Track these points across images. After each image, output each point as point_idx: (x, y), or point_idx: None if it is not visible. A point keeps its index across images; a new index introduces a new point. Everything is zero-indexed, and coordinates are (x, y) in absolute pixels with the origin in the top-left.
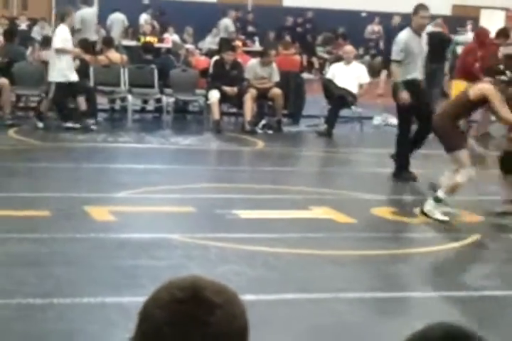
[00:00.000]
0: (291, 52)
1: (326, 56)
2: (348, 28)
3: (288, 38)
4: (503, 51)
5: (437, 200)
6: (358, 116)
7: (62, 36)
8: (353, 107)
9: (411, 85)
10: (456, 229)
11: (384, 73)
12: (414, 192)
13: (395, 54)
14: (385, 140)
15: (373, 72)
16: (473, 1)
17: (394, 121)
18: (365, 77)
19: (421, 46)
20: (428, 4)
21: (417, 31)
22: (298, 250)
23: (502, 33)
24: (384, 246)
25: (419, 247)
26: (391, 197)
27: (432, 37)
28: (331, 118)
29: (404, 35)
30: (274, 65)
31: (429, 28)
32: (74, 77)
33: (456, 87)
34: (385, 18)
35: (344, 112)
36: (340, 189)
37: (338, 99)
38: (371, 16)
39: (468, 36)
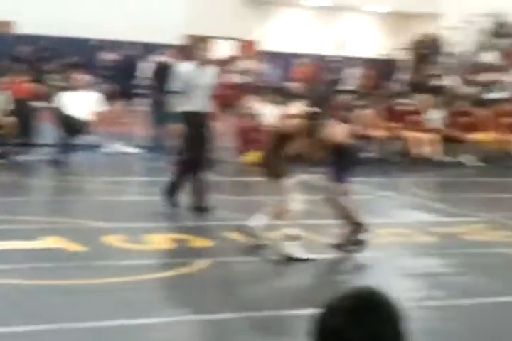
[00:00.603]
0: (24, 80)
1: (58, 84)
2: (82, 56)
3: (20, 66)
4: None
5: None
6: (92, 144)
7: None
8: (86, 135)
9: (192, 117)
10: (187, 254)
11: (121, 101)
12: (148, 218)
13: (174, 85)
14: (119, 168)
15: (110, 100)
16: (203, 30)
17: (129, 149)
18: (98, 105)
19: (204, 78)
20: (159, 34)
21: (200, 63)
22: (29, 281)
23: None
24: (115, 273)
25: (150, 273)
26: (122, 225)
27: (167, 68)
28: (64, 147)
29: (184, 67)
30: (6, 92)
31: (164, 59)
32: None
33: None
34: (120, 46)
35: (79, 140)
36: (72, 218)
37: (70, 127)
38: (105, 44)
39: None
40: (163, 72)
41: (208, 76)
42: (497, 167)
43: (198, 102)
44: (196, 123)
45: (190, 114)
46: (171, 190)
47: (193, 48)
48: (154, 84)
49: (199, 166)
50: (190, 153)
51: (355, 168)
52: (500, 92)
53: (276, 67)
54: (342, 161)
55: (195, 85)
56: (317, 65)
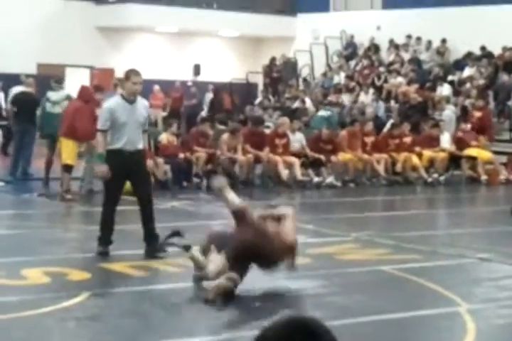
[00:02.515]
0: None
1: None
2: None
3: None
4: None
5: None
6: None
7: None
8: None
9: (118, 155)
10: (64, 287)
11: None
12: (21, 252)
13: (101, 123)
14: None
15: None
16: (57, 59)
17: None
18: None
19: (133, 113)
20: (13, 63)
21: (128, 98)
22: None
23: (97, 88)
24: None
25: (28, 310)
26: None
27: (23, 97)
28: None
29: (111, 103)
30: None
31: (20, 89)
32: None
33: (65, 145)
34: None
35: None
36: None
37: None
38: None
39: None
40: (21, 101)
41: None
42: (360, 186)
43: (124, 139)
44: (123, 163)
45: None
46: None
47: (121, 81)
48: (12, 114)
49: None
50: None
51: None
52: (358, 113)
53: None
54: None
55: (123, 122)
56: (177, 91)
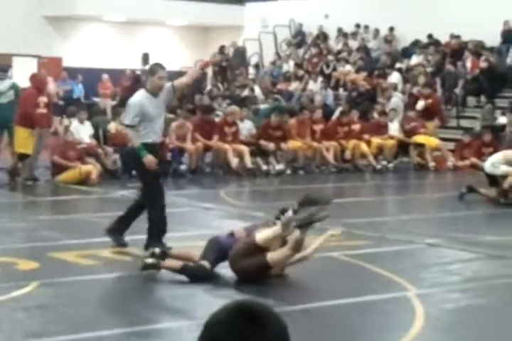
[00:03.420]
0: None
1: None
2: None
3: None
4: None
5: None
6: None
7: None
8: None
9: (151, 149)
10: (13, 277)
11: None
12: None
13: (129, 119)
14: None
15: None
16: (4, 49)
17: None
18: None
19: (159, 106)
20: None
21: (154, 92)
22: None
23: (32, 77)
24: None
25: None
26: None
27: None
28: None
29: (139, 99)
30: None
31: None
32: None
33: (19, 134)
34: None
35: None
36: None
37: None
38: None
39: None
40: None
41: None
42: (310, 174)
43: (156, 133)
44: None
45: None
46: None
47: (150, 76)
48: None
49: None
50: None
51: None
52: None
53: (80, 83)
54: None
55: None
56: (127, 79)
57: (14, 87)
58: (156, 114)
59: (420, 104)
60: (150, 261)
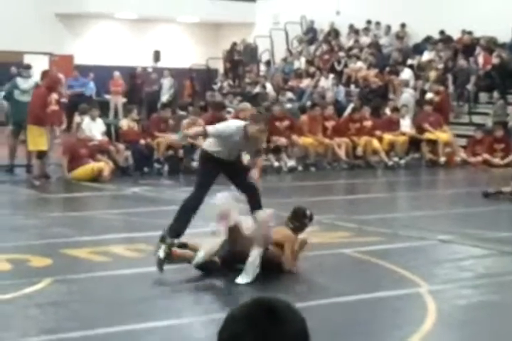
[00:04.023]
0: None
1: None
2: None
3: None
4: None
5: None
6: None
7: None
8: None
9: (206, 156)
10: (27, 273)
11: None
12: None
13: (214, 131)
14: None
15: None
16: (15, 46)
17: None
18: None
19: (244, 147)
20: None
21: (246, 137)
22: None
23: (44, 75)
24: None
25: None
26: None
27: None
28: None
29: (234, 130)
30: None
31: None
32: None
33: (31, 132)
34: None
35: None
36: None
37: None
38: None
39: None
40: None
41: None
42: (321, 170)
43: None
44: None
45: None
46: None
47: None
48: None
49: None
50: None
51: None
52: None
53: (92, 80)
54: None
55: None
56: (137, 77)
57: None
58: (235, 147)
59: (428, 96)
60: (162, 254)
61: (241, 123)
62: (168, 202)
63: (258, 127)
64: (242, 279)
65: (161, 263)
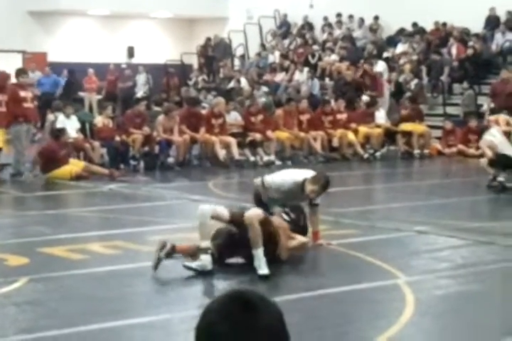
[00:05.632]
0: None
1: None
2: None
3: None
4: None
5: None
6: None
7: None
8: None
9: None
10: (3, 273)
11: None
12: None
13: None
14: None
15: None
16: None
17: None
18: None
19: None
20: None
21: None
22: None
23: (20, 72)
24: None
25: None
26: None
27: None
28: None
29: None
30: None
31: None
32: None
33: None
34: None
35: None
36: None
37: None
38: None
39: None
40: None
41: None
42: (298, 164)
43: None
44: None
45: None
46: None
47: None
48: None
49: None
50: None
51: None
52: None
53: (65, 78)
54: None
55: None
56: (111, 74)
57: None
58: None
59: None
60: (163, 254)
61: (299, 178)
62: (145, 199)
63: (313, 188)
64: (262, 271)
65: (158, 262)
